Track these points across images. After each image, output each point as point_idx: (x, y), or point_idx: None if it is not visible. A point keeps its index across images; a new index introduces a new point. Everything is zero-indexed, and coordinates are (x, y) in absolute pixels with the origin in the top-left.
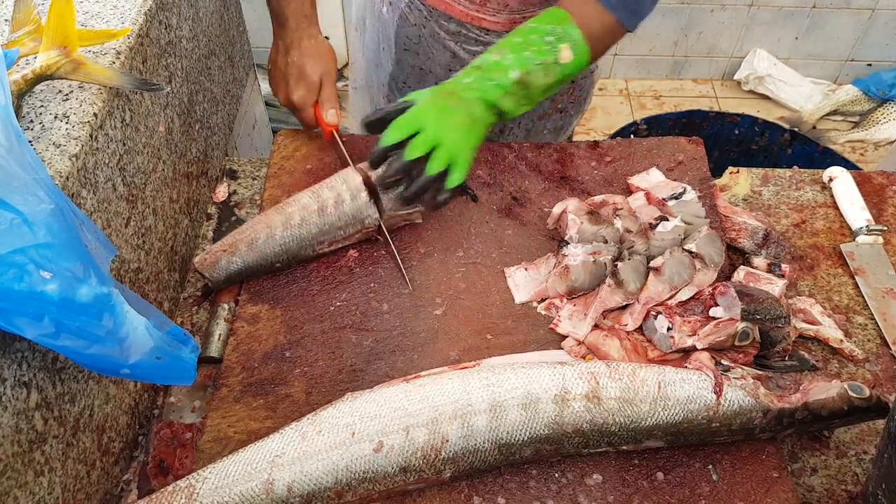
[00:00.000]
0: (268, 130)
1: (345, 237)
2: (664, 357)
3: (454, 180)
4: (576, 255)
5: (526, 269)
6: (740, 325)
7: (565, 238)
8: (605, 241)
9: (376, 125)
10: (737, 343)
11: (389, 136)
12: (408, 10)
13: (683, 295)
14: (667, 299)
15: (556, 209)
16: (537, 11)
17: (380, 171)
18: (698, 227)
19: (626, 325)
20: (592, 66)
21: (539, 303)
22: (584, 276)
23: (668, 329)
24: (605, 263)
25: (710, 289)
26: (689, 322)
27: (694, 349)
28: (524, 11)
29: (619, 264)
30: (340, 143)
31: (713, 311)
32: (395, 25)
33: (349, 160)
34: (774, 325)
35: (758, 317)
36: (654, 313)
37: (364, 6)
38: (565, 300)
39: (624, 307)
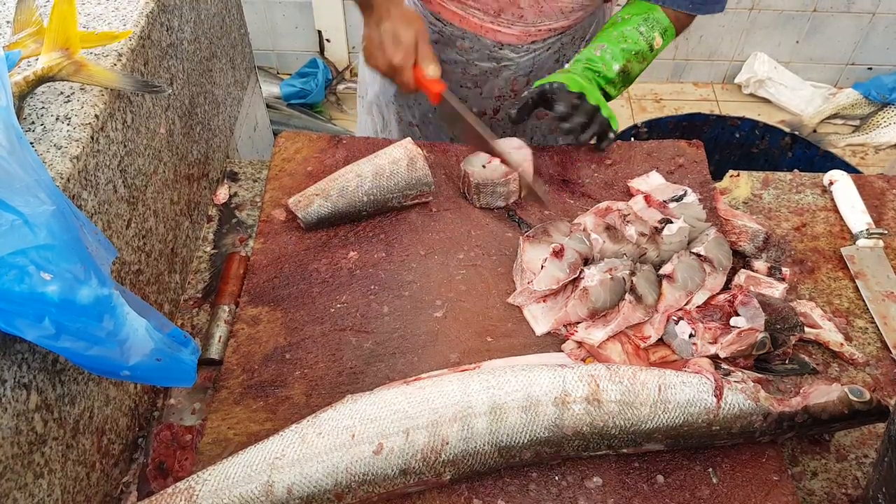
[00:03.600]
0: (269, 132)
1: (431, 192)
2: (664, 360)
3: (615, 126)
4: (592, 275)
5: (544, 301)
6: (760, 335)
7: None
8: (626, 256)
9: (522, 110)
10: (755, 352)
11: (575, 86)
12: None
13: (698, 299)
14: (684, 305)
15: (576, 221)
16: (552, 25)
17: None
18: (703, 231)
19: (649, 337)
20: None
21: (563, 328)
22: (605, 295)
23: (691, 336)
24: (623, 278)
25: (726, 296)
26: (710, 329)
27: (717, 357)
28: (539, 24)
29: (635, 279)
30: (454, 99)
31: (734, 321)
32: None
33: (467, 116)
34: (791, 334)
35: (778, 326)
36: (674, 318)
37: None
38: (586, 322)
39: None
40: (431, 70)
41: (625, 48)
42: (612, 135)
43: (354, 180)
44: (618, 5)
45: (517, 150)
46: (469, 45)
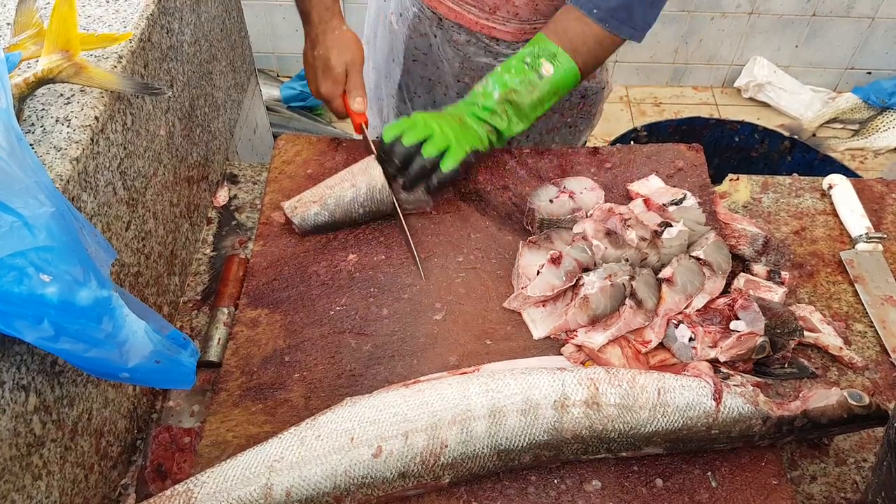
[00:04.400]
0: (269, 135)
1: (423, 200)
2: (664, 363)
3: (446, 165)
4: (592, 283)
5: (543, 306)
6: (760, 339)
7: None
8: (627, 261)
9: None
10: (754, 356)
11: (390, 133)
12: (417, 20)
13: (698, 303)
14: (684, 308)
15: (576, 229)
16: (547, 22)
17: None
18: (703, 234)
19: (650, 342)
20: (602, 81)
21: (563, 335)
22: (605, 302)
23: (690, 339)
24: (623, 284)
25: (725, 300)
26: (710, 333)
27: (717, 361)
28: (534, 22)
29: (634, 283)
30: (367, 135)
31: (734, 325)
32: (405, 37)
33: (374, 150)
34: (790, 338)
35: (777, 330)
36: (674, 322)
37: (375, 19)
38: (587, 329)
39: None
40: (356, 104)
41: (507, 78)
42: (434, 179)
43: (350, 191)
44: None
45: (589, 191)
46: (465, 39)
